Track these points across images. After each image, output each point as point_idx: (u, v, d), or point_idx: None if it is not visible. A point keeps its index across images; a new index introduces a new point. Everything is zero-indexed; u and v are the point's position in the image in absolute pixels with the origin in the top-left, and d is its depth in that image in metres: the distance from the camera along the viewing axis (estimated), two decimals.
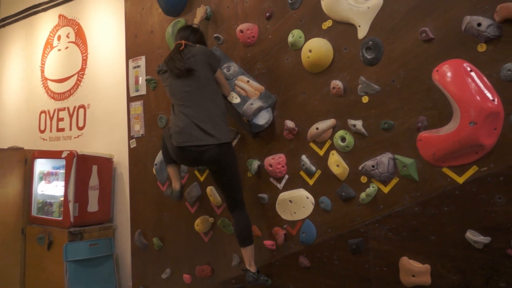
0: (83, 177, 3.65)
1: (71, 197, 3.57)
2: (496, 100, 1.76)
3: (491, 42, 1.78)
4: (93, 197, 3.76)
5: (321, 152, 2.31)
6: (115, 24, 4.01)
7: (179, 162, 2.43)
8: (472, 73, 1.81)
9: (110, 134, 4.03)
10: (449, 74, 1.85)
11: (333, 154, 2.25)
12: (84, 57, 4.36)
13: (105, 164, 3.84)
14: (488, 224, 1.85)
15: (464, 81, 1.80)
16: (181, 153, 2.29)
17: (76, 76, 4.43)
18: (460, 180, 1.89)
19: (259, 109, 2.42)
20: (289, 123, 2.39)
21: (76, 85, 4.42)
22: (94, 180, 3.77)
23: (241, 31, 2.55)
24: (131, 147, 3.39)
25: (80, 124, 4.36)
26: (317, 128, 2.27)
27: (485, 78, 1.80)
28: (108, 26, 4.11)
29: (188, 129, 2.22)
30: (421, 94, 1.97)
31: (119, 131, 3.86)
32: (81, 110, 4.35)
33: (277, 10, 2.45)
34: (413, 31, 1.97)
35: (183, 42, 2.32)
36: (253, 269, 2.35)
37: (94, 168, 3.78)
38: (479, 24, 1.77)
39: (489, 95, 1.77)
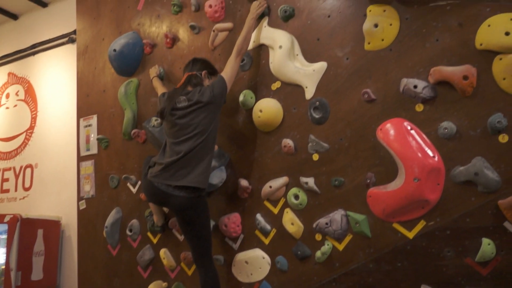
0: (27, 243, 3.41)
1: (13, 265, 3.31)
2: (436, 156, 1.85)
3: (427, 102, 1.90)
4: (37, 264, 3.51)
5: (276, 210, 2.30)
6: (67, 82, 3.96)
7: (147, 196, 2.31)
8: (412, 131, 1.90)
9: (58, 195, 3.84)
10: (391, 132, 1.93)
11: (287, 212, 2.25)
12: (33, 115, 4.23)
13: (52, 228, 3.62)
14: (440, 279, 1.87)
15: (405, 139, 1.89)
16: (151, 188, 2.19)
17: (24, 135, 4.26)
18: (410, 235, 1.92)
19: (213, 168, 2.40)
20: (243, 182, 2.38)
21: (24, 144, 4.24)
22: (39, 246, 3.54)
23: None
24: (80, 208, 3.23)
25: (27, 185, 4.14)
26: (270, 187, 2.27)
27: (424, 136, 1.90)
28: (59, 84, 4.05)
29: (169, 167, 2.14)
30: (367, 151, 2.04)
31: (68, 192, 3.70)
32: (28, 170, 4.15)
33: None
34: (356, 92, 2.08)
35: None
36: None
37: (40, 232, 3.55)
38: (415, 86, 1.89)
39: (429, 152, 1.86)
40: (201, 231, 2.19)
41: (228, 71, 2.23)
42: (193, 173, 2.10)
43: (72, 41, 4.01)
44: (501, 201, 1.73)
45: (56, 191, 3.86)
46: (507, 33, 1.71)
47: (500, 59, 1.74)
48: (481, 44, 1.78)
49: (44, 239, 3.56)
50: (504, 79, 1.73)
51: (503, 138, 1.74)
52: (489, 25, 1.77)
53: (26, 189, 4.12)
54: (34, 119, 4.21)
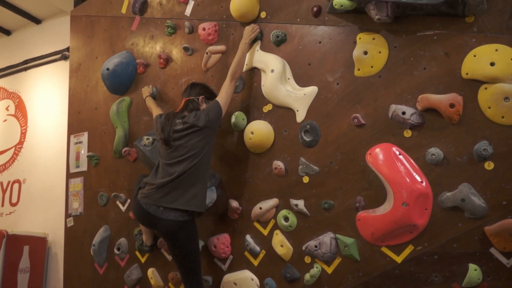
0: (13, 259, 3.37)
1: None
2: (424, 182, 1.88)
3: (415, 128, 1.94)
4: (22, 281, 3.46)
5: (265, 232, 2.30)
6: (58, 99, 3.97)
7: (135, 217, 2.28)
8: (401, 157, 1.94)
9: (45, 211, 3.81)
10: (380, 157, 1.96)
11: (277, 234, 2.25)
12: (23, 130, 4.21)
13: (38, 244, 3.58)
14: None
15: (394, 164, 1.92)
16: (140, 209, 2.16)
17: (13, 150, 4.24)
18: (399, 259, 1.94)
19: None
20: (233, 203, 2.39)
21: (13, 159, 4.21)
22: (24, 262, 3.49)
23: None
24: (68, 225, 3.20)
25: (14, 200, 4.10)
26: (260, 208, 2.27)
27: (412, 161, 1.93)
28: (50, 100, 4.05)
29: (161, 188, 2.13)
30: (357, 175, 2.06)
31: (56, 209, 3.67)
32: (16, 185, 4.12)
33: None
34: (346, 116, 2.11)
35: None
36: None
37: (26, 248, 3.51)
38: (403, 113, 1.93)
39: (417, 177, 1.89)
40: (190, 253, 2.17)
41: (223, 96, 2.26)
42: (185, 195, 2.09)
43: (64, 58, 4.03)
44: (488, 227, 1.76)
45: (44, 207, 3.83)
46: (492, 64, 1.77)
47: (485, 88, 1.79)
48: (467, 74, 1.83)
49: (30, 256, 3.51)
50: (489, 107, 1.78)
51: (488, 165, 1.78)
52: (475, 55, 1.82)
53: (13, 205, 4.08)
54: (23, 134, 4.19)
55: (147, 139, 2.66)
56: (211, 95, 2.38)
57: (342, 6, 2.01)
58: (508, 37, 1.77)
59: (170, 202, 2.09)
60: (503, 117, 1.76)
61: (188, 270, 2.18)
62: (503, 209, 1.74)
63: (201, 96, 2.32)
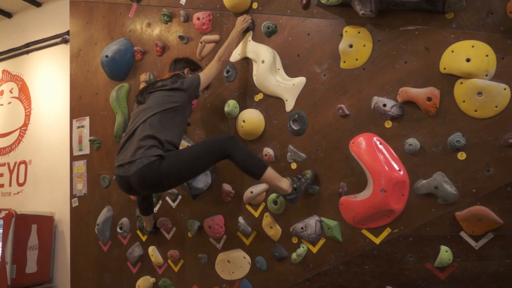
0: (22, 237, 3.56)
1: (8, 258, 3.47)
2: (402, 170, 2.02)
3: (395, 119, 2.05)
4: (32, 257, 3.66)
5: (256, 214, 2.46)
6: (60, 82, 4.07)
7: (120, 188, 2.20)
8: (381, 146, 2.06)
9: (51, 191, 3.98)
10: (362, 146, 2.09)
11: (266, 216, 2.41)
12: (27, 113, 4.34)
13: (46, 223, 3.77)
14: (403, 281, 2.05)
15: (374, 153, 2.05)
16: (117, 180, 2.13)
17: (18, 132, 4.37)
18: (377, 241, 2.09)
19: None
20: (226, 187, 2.54)
21: (18, 141, 4.36)
22: (33, 240, 3.68)
23: None
24: (73, 206, 3.38)
25: (21, 180, 4.27)
26: (251, 192, 2.42)
27: (392, 151, 2.06)
28: (53, 84, 4.15)
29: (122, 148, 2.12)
30: (341, 162, 2.20)
31: (61, 189, 3.84)
32: (22, 166, 4.28)
33: (214, 81, 2.64)
34: (332, 107, 2.23)
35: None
36: (286, 186, 2.12)
37: (34, 227, 3.70)
38: (384, 105, 2.05)
39: (396, 166, 2.02)
40: (197, 159, 2.04)
41: (206, 71, 2.33)
42: (135, 147, 2.02)
43: (65, 41, 4.11)
44: (458, 212, 1.90)
45: (49, 188, 4.00)
46: (468, 60, 1.86)
47: (461, 83, 1.90)
48: (444, 68, 1.93)
49: (38, 234, 3.70)
50: (463, 101, 1.89)
51: (461, 156, 1.90)
52: (452, 51, 1.92)
53: (20, 185, 4.25)
54: (28, 116, 4.32)
55: None
56: (196, 66, 2.50)
57: (328, 1, 2.09)
58: (485, 34, 1.86)
59: (127, 157, 2.02)
60: (476, 111, 1.87)
61: (210, 164, 2.12)
62: (473, 196, 1.88)
63: (186, 69, 2.43)
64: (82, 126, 3.38)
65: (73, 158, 3.42)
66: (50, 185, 4.00)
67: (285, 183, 2.13)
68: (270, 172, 2.09)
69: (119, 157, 2.11)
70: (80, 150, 3.38)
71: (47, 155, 4.07)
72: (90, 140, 3.26)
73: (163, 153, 2.01)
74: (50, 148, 4.05)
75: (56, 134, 4.00)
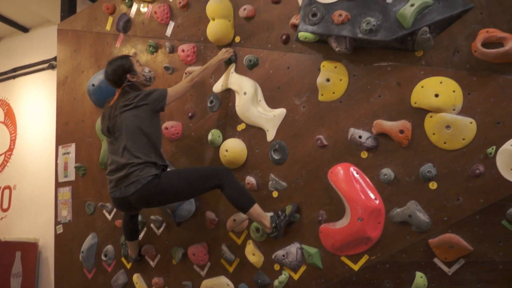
0: (6, 265, 3.55)
1: None
2: (378, 199, 2.10)
3: (371, 150, 2.15)
4: (15, 285, 3.64)
5: (239, 241, 2.52)
6: (47, 108, 4.11)
7: (118, 209, 2.42)
8: (357, 176, 2.15)
9: (36, 217, 3.98)
10: (340, 176, 2.17)
11: (249, 243, 2.46)
12: (12, 138, 4.36)
13: (30, 250, 3.76)
14: None
15: (351, 182, 2.14)
16: (114, 202, 2.30)
17: (3, 156, 4.38)
18: (356, 267, 2.16)
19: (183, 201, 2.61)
20: (210, 214, 2.59)
21: (3, 165, 4.36)
22: (17, 267, 3.67)
23: (166, 128, 2.79)
24: (58, 232, 3.38)
25: (5, 206, 4.25)
26: (234, 220, 2.48)
27: (368, 180, 2.15)
28: (39, 109, 4.20)
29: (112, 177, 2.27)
30: (320, 191, 2.28)
31: (46, 215, 3.84)
32: (7, 191, 4.26)
33: (198, 111, 2.74)
34: (311, 137, 2.32)
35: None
36: (268, 224, 2.22)
37: (18, 254, 3.68)
38: (360, 136, 2.14)
39: (372, 195, 2.11)
40: (185, 192, 2.23)
41: (175, 88, 2.40)
42: (137, 171, 2.16)
43: (52, 67, 4.17)
44: (431, 240, 1.98)
45: (34, 213, 4.00)
46: (436, 95, 1.98)
47: (431, 116, 2.00)
48: (415, 103, 2.05)
49: (22, 261, 3.69)
50: (433, 134, 2.00)
51: (432, 185, 2.00)
52: (422, 87, 2.03)
53: (4, 210, 4.23)
54: (13, 141, 4.34)
55: None
56: (129, 66, 2.40)
57: (306, 38, 2.20)
58: (452, 71, 1.98)
59: (122, 181, 2.18)
60: (445, 143, 1.98)
61: (203, 190, 2.29)
62: (444, 224, 1.97)
63: (128, 75, 2.38)
64: (68, 153, 3.42)
65: (58, 185, 3.45)
66: (34, 211, 4.00)
67: (267, 221, 2.24)
68: (256, 208, 2.23)
69: (112, 183, 2.24)
70: (66, 176, 3.40)
71: (32, 180, 4.07)
72: (75, 167, 3.30)
73: (158, 171, 2.20)
74: (35, 174, 4.06)
75: (42, 160, 4.02)
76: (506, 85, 1.85)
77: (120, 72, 2.38)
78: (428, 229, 2.00)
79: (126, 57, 2.46)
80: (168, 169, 2.41)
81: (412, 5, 1.95)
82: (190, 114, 2.77)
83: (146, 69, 2.50)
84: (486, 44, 1.87)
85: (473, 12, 1.92)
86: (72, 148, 3.39)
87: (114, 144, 2.30)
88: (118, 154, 2.25)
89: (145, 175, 2.15)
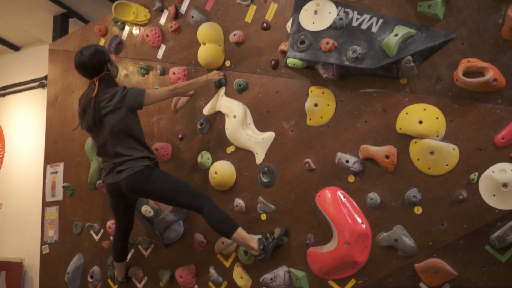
0: None
1: None
2: (364, 224, 2.13)
3: (357, 175, 2.19)
4: None
5: (227, 264, 2.51)
6: (36, 126, 4.10)
7: (110, 198, 2.45)
8: (345, 200, 2.18)
9: (22, 236, 3.92)
10: (327, 199, 2.20)
11: (237, 266, 2.46)
12: (0, 156, 4.31)
13: (15, 269, 3.70)
14: None
15: (338, 207, 2.17)
16: (107, 188, 2.40)
17: None
18: None
19: (171, 223, 2.61)
20: (199, 236, 2.59)
21: None
22: (1, 287, 3.59)
23: (156, 149, 2.80)
24: (43, 252, 3.34)
25: None
26: (222, 242, 2.48)
27: (355, 204, 2.18)
28: (28, 127, 4.19)
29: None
30: (308, 214, 2.30)
31: (32, 234, 3.79)
32: None
33: (188, 133, 2.76)
34: (299, 161, 2.35)
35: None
36: (255, 246, 2.23)
37: (3, 274, 3.63)
38: (347, 161, 2.18)
39: (358, 219, 2.14)
40: (171, 195, 2.30)
41: (155, 92, 2.42)
42: (130, 160, 2.28)
43: (42, 86, 4.18)
44: (417, 264, 2.01)
45: (20, 232, 3.95)
46: (420, 122, 2.03)
47: (415, 142, 2.05)
48: (400, 129, 2.10)
49: (7, 281, 3.63)
50: (418, 159, 2.04)
51: (418, 210, 2.04)
52: (407, 113, 2.09)
53: None
54: (0, 159, 4.29)
55: None
56: (105, 56, 2.39)
57: (294, 65, 2.26)
58: (435, 99, 2.04)
59: (116, 168, 2.30)
60: (429, 168, 2.02)
61: (182, 204, 2.34)
62: (430, 249, 2.00)
63: (108, 64, 2.39)
64: (56, 172, 3.40)
65: (45, 204, 3.42)
66: (20, 230, 3.95)
67: (254, 243, 2.25)
68: (240, 232, 2.24)
69: (106, 171, 2.37)
70: (53, 196, 3.38)
71: (19, 199, 4.03)
72: (63, 187, 3.28)
73: (151, 164, 2.32)
74: (22, 193, 4.02)
75: (29, 179, 3.99)
76: (487, 113, 1.91)
77: (101, 58, 2.35)
78: (414, 253, 2.03)
79: (103, 48, 2.44)
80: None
81: (396, 35, 2.02)
82: (180, 136, 2.79)
83: (114, 63, 2.52)
84: (467, 73, 1.94)
85: (455, 43, 1.99)
86: (60, 167, 3.38)
87: (102, 143, 2.37)
88: (110, 155, 2.34)
89: (138, 164, 2.27)
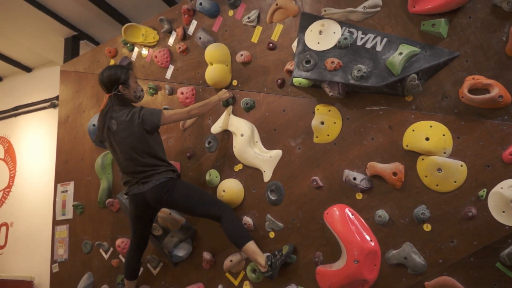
0: None
1: None
2: (373, 241, 2.12)
3: (365, 192, 2.19)
4: None
5: (236, 282, 2.51)
6: (47, 146, 4.17)
7: (130, 213, 2.49)
8: (353, 217, 2.18)
9: (32, 254, 3.95)
10: (335, 217, 2.20)
11: (246, 284, 2.46)
12: (12, 174, 4.38)
13: None
14: None
15: (347, 224, 2.16)
16: (131, 201, 2.46)
17: (1, 193, 4.39)
18: None
19: (180, 241, 2.62)
20: (207, 255, 2.59)
21: (1, 202, 4.36)
22: None
23: None
24: (53, 271, 3.36)
25: (1, 243, 4.22)
26: (231, 260, 2.48)
27: (363, 221, 2.18)
28: (39, 147, 4.25)
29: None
30: (316, 232, 2.30)
31: (42, 252, 3.82)
32: (3, 228, 4.25)
33: (197, 151, 2.79)
34: (307, 178, 2.36)
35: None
36: (263, 262, 2.25)
37: None
38: (354, 178, 2.19)
39: (367, 236, 2.13)
40: (192, 206, 2.39)
41: (171, 113, 2.47)
42: (156, 173, 2.37)
43: (54, 106, 4.26)
44: (427, 282, 1.99)
45: (30, 251, 3.97)
46: (427, 139, 2.04)
47: (422, 159, 2.06)
48: (407, 146, 2.10)
49: None
50: (426, 176, 2.05)
51: (427, 227, 2.03)
52: (413, 130, 2.10)
53: (1, 247, 4.20)
54: (12, 178, 4.36)
55: None
56: (125, 77, 2.48)
57: (300, 84, 2.29)
58: (441, 116, 2.05)
59: (142, 179, 2.38)
60: (437, 185, 2.02)
61: (203, 213, 2.42)
62: (440, 267, 1.98)
63: (120, 87, 2.45)
64: (66, 191, 3.44)
65: (55, 223, 3.45)
66: (31, 249, 3.97)
67: (262, 259, 2.26)
68: (251, 245, 2.27)
69: (129, 180, 2.42)
70: (63, 214, 3.41)
71: (29, 218, 4.07)
72: (73, 205, 3.32)
73: (174, 176, 2.41)
74: (32, 211, 4.06)
75: (40, 197, 4.03)
76: (494, 129, 1.92)
77: (114, 80, 2.46)
78: (424, 271, 2.01)
79: (126, 69, 2.53)
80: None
81: (401, 53, 2.05)
82: (188, 155, 2.82)
83: (140, 87, 2.58)
84: (473, 90, 1.95)
85: (459, 60, 2.01)
86: (70, 186, 3.42)
87: (125, 162, 2.42)
88: (134, 172, 2.40)
89: (163, 176, 2.36)
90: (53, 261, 3.38)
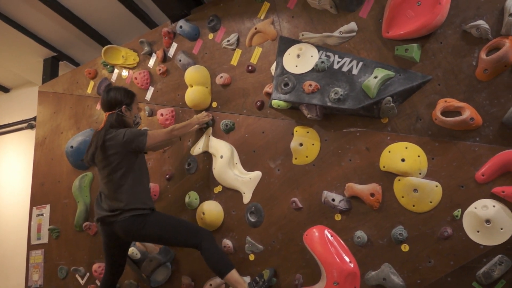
0: None
1: None
2: (352, 262, 2.13)
3: (344, 213, 2.20)
4: None
5: None
6: (22, 168, 4.08)
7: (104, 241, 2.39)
8: (332, 238, 2.18)
9: (5, 281, 3.81)
10: (315, 238, 2.20)
11: None
12: None
13: None
14: None
15: (326, 245, 2.16)
16: (101, 229, 2.36)
17: None
18: None
19: (158, 265, 2.57)
20: (186, 279, 2.55)
21: None
22: None
23: None
24: None
25: None
26: (210, 285, 2.45)
27: (342, 243, 2.18)
28: (15, 169, 4.16)
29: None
30: (296, 254, 2.29)
31: (16, 278, 3.69)
32: None
33: (176, 173, 2.77)
34: (286, 200, 2.37)
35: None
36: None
37: None
38: (333, 199, 2.20)
39: (346, 258, 2.13)
40: (173, 235, 2.30)
41: (154, 133, 2.40)
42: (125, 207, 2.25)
43: (31, 127, 4.18)
44: None
45: (4, 277, 3.84)
46: (403, 160, 2.08)
47: (399, 180, 2.09)
48: (384, 167, 2.14)
49: None
50: (402, 197, 2.07)
51: (405, 248, 2.04)
52: (389, 151, 2.14)
53: None
54: None
55: None
56: (130, 100, 2.47)
57: (279, 106, 2.32)
58: (416, 137, 2.10)
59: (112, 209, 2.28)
60: (414, 206, 2.05)
61: (180, 244, 2.37)
62: (418, 287, 1.99)
63: (123, 107, 2.42)
64: (42, 214, 3.36)
65: (30, 247, 3.35)
66: (4, 275, 3.84)
67: None
68: (234, 274, 2.23)
69: (101, 208, 2.33)
70: (38, 239, 3.32)
71: (3, 242, 3.95)
72: (49, 229, 3.23)
73: (145, 212, 2.27)
74: (6, 235, 3.94)
75: (15, 221, 3.92)
76: (466, 150, 1.97)
77: (119, 100, 2.43)
78: None
79: (133, 94, 2.52)
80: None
81: (376, 77, 2.10)
82: (167, 176, 2.80)
83: (140, 115, 2.56)
84: (445, 112, 2.01)
85: (432, 83, 2.07)
86: (46, 209, 3.34)
87: (104, 182, 2.35)
88: (109, 196, 2.31)
89: (133, 213, 2.23)
90: (27, 287, 3.27)
